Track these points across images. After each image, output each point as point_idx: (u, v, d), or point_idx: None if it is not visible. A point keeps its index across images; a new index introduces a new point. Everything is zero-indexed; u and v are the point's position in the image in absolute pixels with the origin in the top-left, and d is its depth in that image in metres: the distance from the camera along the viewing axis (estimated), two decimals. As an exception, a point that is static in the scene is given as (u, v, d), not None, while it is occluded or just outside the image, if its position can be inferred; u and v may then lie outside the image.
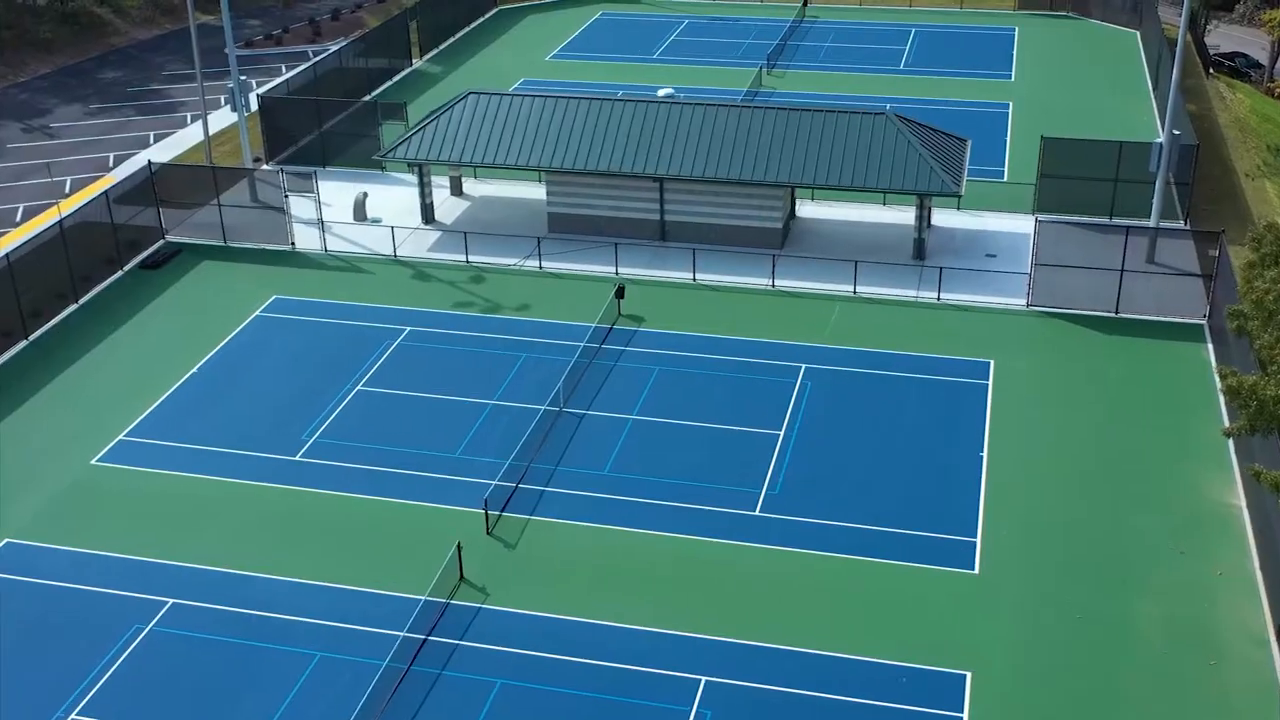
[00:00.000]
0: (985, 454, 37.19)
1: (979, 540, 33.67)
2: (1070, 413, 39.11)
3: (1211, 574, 32.29)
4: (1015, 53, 74.02)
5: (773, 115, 49.13)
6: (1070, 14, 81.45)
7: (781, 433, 38.46)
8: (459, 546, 32.92)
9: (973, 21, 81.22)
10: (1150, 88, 67.05)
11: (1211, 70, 73.62)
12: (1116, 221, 49.98)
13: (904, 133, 47.67)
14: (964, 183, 47.28)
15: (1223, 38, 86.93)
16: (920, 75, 70.24)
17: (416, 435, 38.73)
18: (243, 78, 53.66)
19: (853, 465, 36.86)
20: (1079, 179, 50.73)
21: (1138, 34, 76.64)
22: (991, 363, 41.82)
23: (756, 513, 34.99)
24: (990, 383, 40.77)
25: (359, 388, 41.34)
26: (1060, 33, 78.17)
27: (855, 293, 46.22)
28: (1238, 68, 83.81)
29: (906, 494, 35.54)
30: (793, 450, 37.58)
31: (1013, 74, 70.24)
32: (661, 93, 53.21)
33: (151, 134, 64.42)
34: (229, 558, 33.62)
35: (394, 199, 54.76)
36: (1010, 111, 64.21)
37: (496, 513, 35.09)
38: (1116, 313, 44.31)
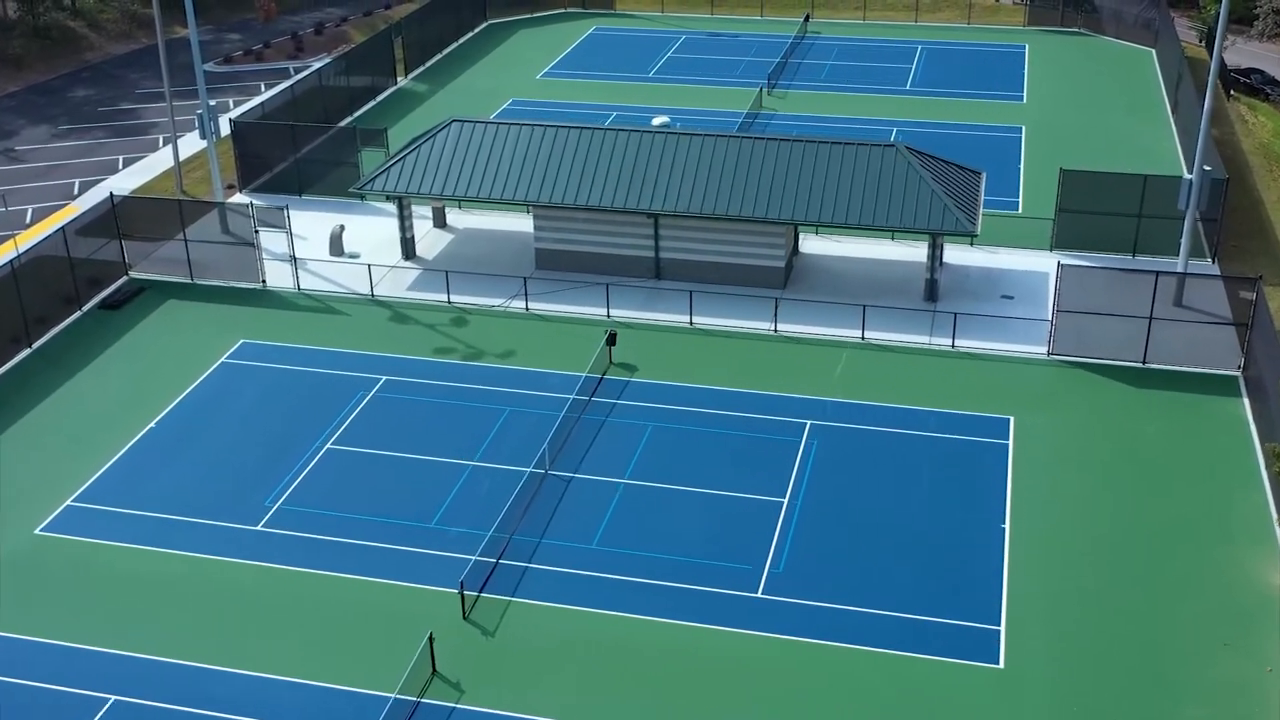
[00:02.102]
0: (1007, 526, 34.14)
1: (1003, 629, 30.62)
2: (1098, 479, 36.06)
3: (1261, 670, 29.25)
4: (1026, 72, 70.95)
5: (774, 146, 46.07)
6: (1082, 30, 78.39)
7: (785, 500, 35.40)
8: (431, 637, 29.84)
9: (981, 39, 78.13)
10: (1169, 110, 64.00)
11: (1232, 92, 70.53)
12: (1143, 265, 47.10)
13: (915, 166, 44.63)
14: (979, 220, 44.23)
15: (1238, 53, 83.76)
16: (927, 96, 67.13)
17: (389, 501, 35.66)
18: (212, 103, 50.55)
19: (863, 539, 33.79)
20: (1100, 214, 47.76)
21: (1153, 52, 73.63)
22: (1011, 420, 38.76)
23: (759, 594, 31.92)
24: (1010, 443, 37.71)
25: (329, 446, 38.27)
26: (1072, 51, 75.09)
27: (863, 339, 43.16)
28: (1253, 84, 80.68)
29: (923, 574, 32.46)
30: (798, 521, 34.51)
31: (1024, 95, 67.16)
32: (656, 121, 50.13)
33: (121, 158, 61.22)
34: (178, 647, 30.49)
35: (373, 231, 51.70)
36: (1023, 136, 61.15)
37: (474, 594, 32.03)
38: (1144, 362, 41.28)
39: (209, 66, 74.23)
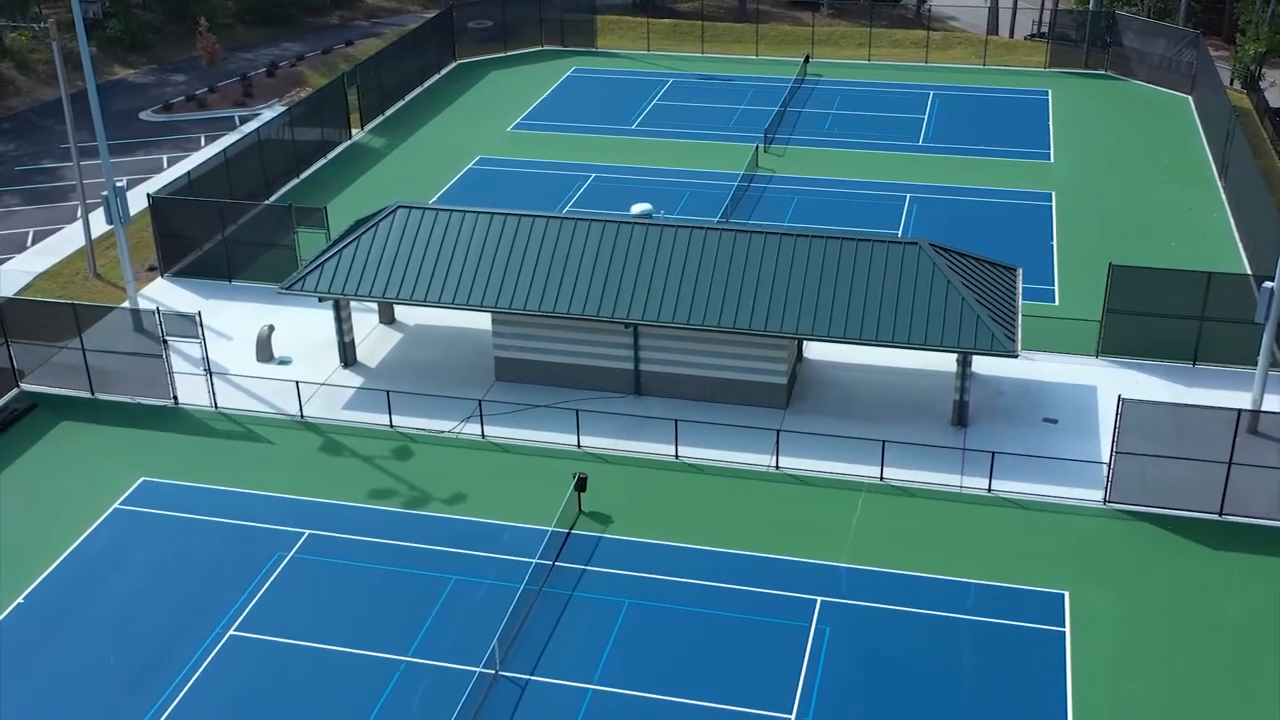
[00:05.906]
0: (1072, 759, 27.23)
1: None
2: (1177, 682, 29.05)
3: None
4: (1051, 124, 63.84)
5: (775, 242, 39.09)
6: (1110, 74, 71.32)
7: (793, 716, 28.38)
8: None
9: (999, 82, 71.01)
10: (1216, 173, 56.98)
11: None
12: (1205, 376, 40.30)
13: (941, 269, 37.68)
14: (1019, 334, 37.28)
15: (1276, 92, 77.08)
16: (943, 154, 59.98)
17: (300, 718, 28.61)
18: (119, 183, 43.41)
19: (891, 779, 26.84)
20: (1155, 316, 40.89)
21: (1190, 99, 66.64)
22: (1066, 595, 31.78)
23: None
24: (1067, 629, 30.73)
25: (232, 631, 31.19)
26: (1100, 98, 67.97)
27: (882, 479, 36.19)
28: (1289, 124, 73.94)
29: (969, 836, 25.54)
30: (808, 748, 27.57)
31: (1051, 152, 60.11)
32: (636, 209, 42.96)
33: (31, 231, 54.04)
34: None
35: (309, 329, 44.59)
36: (1054, 206, 54.07)
37: None
38: (1220, 514, 34.37)
39: (146, 114, 67.09)
